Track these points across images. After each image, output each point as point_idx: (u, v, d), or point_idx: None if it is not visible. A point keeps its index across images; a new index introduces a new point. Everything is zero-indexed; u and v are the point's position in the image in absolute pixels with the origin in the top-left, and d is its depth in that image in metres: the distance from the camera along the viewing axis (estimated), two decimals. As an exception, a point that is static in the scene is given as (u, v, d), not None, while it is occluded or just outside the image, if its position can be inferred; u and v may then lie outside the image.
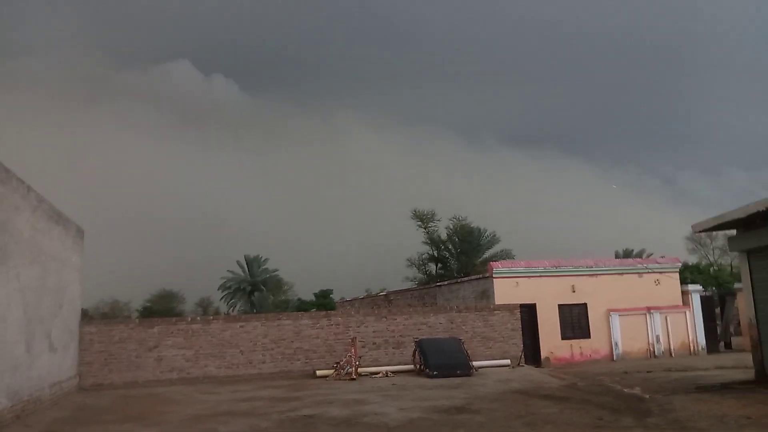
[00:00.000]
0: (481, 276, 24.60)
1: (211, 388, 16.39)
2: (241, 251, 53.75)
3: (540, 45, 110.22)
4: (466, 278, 27.14)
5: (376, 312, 21.26)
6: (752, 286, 14.68)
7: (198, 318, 20.17)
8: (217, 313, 51.15)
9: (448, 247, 40.69)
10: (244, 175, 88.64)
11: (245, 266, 52.72)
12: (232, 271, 52.42)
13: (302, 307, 47.22)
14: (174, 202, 73.45)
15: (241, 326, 18.88)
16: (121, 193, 72.68)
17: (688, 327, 24.35)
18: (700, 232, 17.36)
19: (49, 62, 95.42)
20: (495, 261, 30.31)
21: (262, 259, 52.85)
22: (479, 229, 39.49)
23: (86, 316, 20.21)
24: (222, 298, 53.06)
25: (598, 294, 23.88)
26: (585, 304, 23.74)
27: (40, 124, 77.32)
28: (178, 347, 18.08)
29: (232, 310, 51.09)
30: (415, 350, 18.87)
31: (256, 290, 51.55)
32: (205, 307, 54.35)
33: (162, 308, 48.77)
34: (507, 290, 22.70)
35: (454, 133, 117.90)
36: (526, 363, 20.60)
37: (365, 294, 44.77)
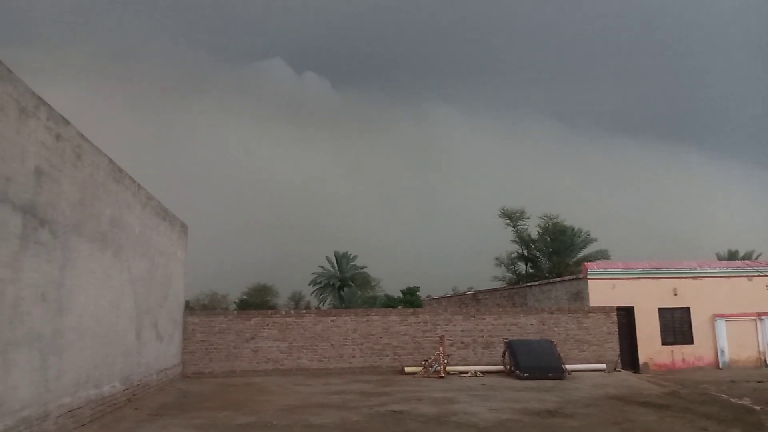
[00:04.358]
0: (574, 277, 23.79)
1: (303, 380, 16.91)
2: (331, 247, 54.98)
3: (648, 35, 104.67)
4: (558, 279, 26.33)
5: (464, 311, 21.11)
6: None
7: (292, 311, 20.82)
8: (308, 307, 52.58)
9: (539, 247, 39.60)
10: (334, 171, 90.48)
11: (335, 262, 53.81)
12: (322, 267, 53.69)
13: (389, 303, 47.52)
14: (267, 196, 76.14)
15: (332, 320, 19.33)
16: (218, 187, 76.15)
17: (805, 336, 22.45)
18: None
19: (155, 61, 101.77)
20: (590, 261, 29.25)
21: (351, 256, 53.76)
22: (573, 228, 38.13)
23: (188, 308, 21.40)
24: (313, 293, 54.46)
25: (702, 298, 22.50)
26: (688, 308, 22.43)
27: (148, 120, 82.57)
28: (273, 339, 18.78)
29: (322, 305, 52.32)
30: (504, 351, 18.56)
31: (345, 286, 52.47)
32: (297, 301, 55.91)
33: (257, 301, 50.64)
34: (603, 292, 21.82)
35: (552, 119, 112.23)
36: (623, 368, 19.76)
37: (452, 292, 44.45)
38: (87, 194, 10.30)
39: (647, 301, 22.15)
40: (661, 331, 22.12)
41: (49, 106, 8.83)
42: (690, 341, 22.26)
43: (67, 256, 9.39)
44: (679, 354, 22.03)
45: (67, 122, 9.44)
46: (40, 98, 8.53)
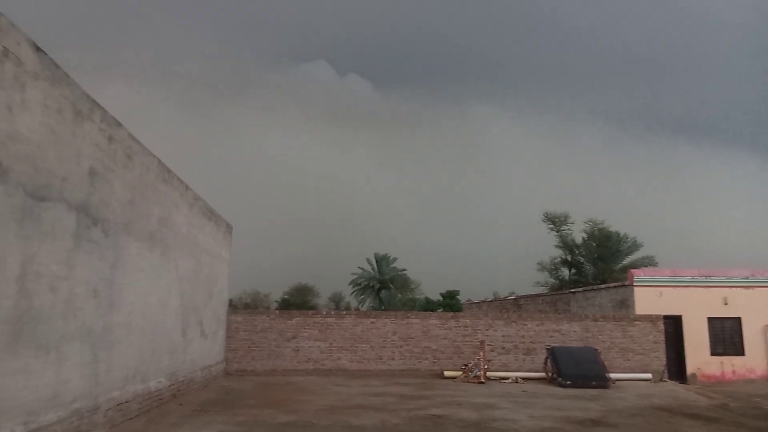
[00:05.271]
0: (620, 284, 23.25)
1: (343, 381, 17.00)
2: (372, 247, 55.33)
3: (701, 35, 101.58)
4: (603, 285, 25.79)
5: (505, 316, 20.87)
6: None
7: (332, 312, 20.97)
8: (348, 307, 52.89)
9: (582, 252, 38.80)
10: (376, 173, 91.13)
11: (375, 263, 54.01)
12: (362, 268, 53.97)
13: (429, 306, 47.39)
14: (309, 197, 77.13)
15: (372, 322, 19.39)
16: (261, 187, 77.54)
17: None
18: None
19: (202, 63, 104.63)
20: (636, 268, 28.57)
21: (391, 258, 53.86)
22: (618, 234, 37.24)
23: (232, 306, 21.77)
24: (352, 294, 54.82)
25: (754, 307, 21.68)
26: (739, 318, 21.65)
27: (194, 120, 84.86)
28: (313, 339, 18.96)
29: (362, 306, 52.55)
30: (547, 358, 18.27)
31: (384, 288, 52.61)
32: (337, 302, 56.38)
33: (298, 301, 51.26)
34: (649, 300, 21.27)
35: (598, 120, 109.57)
36: (669, 379, 19.21)
37: (493, 297, 44.00)
38: (137, 194, 10.61)
39: (696, 309, 21.47)
40: (710, 341, 21.42)
41: (103, 108, 9.13)
42: (741, 352, 21.47)
43: (117, 255, 9.70)
44: (729, 365, 21.28)
45: (119, 124, 9.75)
46: (94, 101, 8.83)
